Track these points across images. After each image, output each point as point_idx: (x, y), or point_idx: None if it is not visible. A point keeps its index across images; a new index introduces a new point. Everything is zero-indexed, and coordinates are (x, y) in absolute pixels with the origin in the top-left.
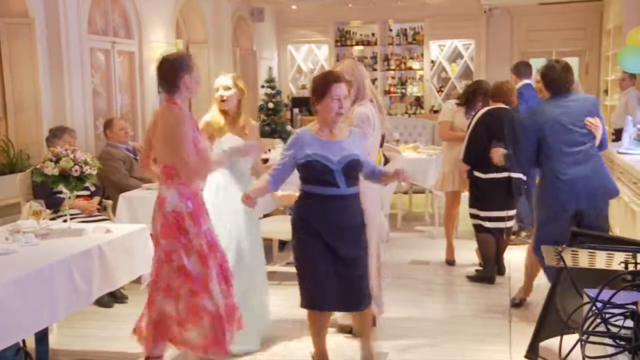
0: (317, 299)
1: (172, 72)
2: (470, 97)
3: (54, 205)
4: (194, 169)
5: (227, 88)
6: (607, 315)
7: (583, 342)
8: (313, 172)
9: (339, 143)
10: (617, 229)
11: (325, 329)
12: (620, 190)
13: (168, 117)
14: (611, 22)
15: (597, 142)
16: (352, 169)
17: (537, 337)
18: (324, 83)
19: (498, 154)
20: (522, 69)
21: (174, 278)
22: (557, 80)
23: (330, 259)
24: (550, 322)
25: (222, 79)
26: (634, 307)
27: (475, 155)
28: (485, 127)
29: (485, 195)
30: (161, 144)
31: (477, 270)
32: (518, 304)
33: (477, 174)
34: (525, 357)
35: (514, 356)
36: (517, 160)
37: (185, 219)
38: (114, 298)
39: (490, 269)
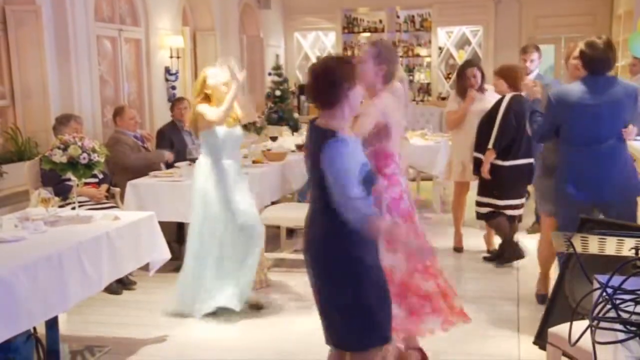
0: None
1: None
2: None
3: (63, 192)
4: None
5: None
6: (618, 301)
7: (593, 328)
8: None
9: None
10: None
11: None
12: None
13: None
14: (622, 8)
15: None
16: None
17: (546, 323)
18: None
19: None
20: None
21: None
22: (598, 58)
23: None
24: (558, 309)
25: (221, 74)
26: None
27: (506, 142)
28: (514, 113)
29: (506, 184)
30: None
31: (485, 258)
32: (544, 295)
33: (497, 162)
34: (534, 343)
35: (522, 342)
36: (533, 134)
37: None
38: (122, 284)
39: (514, 247)
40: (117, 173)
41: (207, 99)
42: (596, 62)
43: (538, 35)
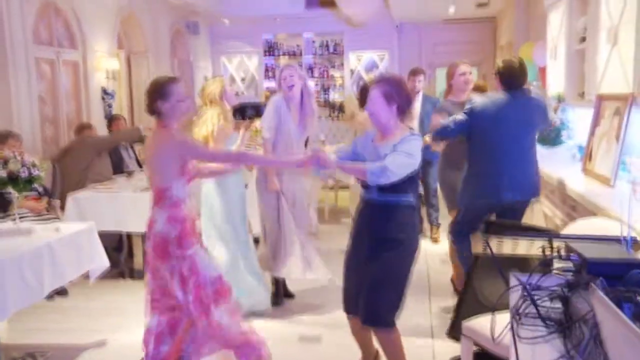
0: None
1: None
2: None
3: (2, 205)
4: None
5: None
6: (535, 297)
7: (516, 324)
8: None
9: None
10: None
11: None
12: None
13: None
14: (503, 39)
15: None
16: None
17: (458, 316)
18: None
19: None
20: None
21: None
22: (515, 76)
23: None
24: (468, 304)
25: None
26: (558, 289)
27: None
28: None
29: None
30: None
31: None
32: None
33: None
34: (448, 335)
35: (436, 337)
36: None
37: (170, 244)
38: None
39: None
40: (76, 173)
41: None
42: (513, 80)
43: (436, 60)
